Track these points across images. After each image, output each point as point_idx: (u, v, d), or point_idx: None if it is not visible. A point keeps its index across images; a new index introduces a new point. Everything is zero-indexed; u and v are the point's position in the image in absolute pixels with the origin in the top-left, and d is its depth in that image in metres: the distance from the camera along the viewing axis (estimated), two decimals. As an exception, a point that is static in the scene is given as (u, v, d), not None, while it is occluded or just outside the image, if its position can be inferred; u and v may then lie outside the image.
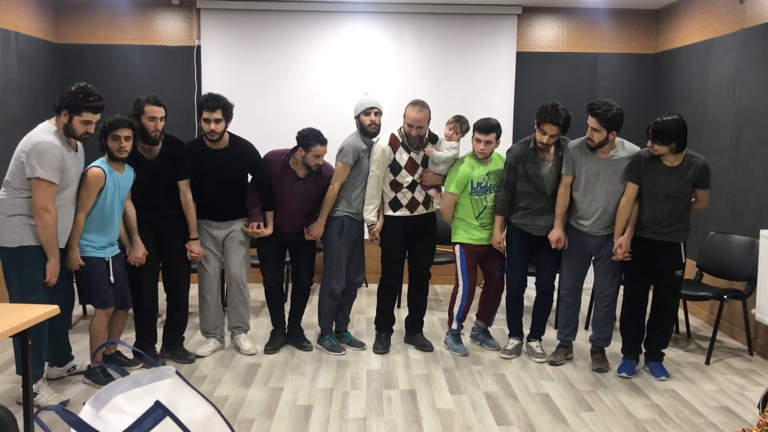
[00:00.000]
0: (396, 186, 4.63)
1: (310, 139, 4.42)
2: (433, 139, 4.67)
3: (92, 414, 1.40)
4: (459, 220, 4.72)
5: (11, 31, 5.69)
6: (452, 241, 4.78)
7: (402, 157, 4.59)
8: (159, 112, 4.19)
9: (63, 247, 3.84)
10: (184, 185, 4.40)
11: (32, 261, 3.69)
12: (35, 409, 3.47)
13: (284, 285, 4.91)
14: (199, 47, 6.71)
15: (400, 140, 4.60)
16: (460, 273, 4.75)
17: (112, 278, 4.05)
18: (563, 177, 4.43)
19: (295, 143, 4.51)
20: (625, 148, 4.35)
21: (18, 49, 5.80)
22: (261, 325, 5.26)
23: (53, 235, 3.67)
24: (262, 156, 4.62)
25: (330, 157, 4.65)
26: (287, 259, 4.94)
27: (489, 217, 4.68)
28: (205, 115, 4.32)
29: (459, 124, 4.65)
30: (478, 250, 4.72)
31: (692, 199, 4.27)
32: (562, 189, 4.45)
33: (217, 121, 4.33)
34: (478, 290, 5.13)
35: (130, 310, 4.34)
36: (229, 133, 4.49)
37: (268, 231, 4.59)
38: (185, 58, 6.73)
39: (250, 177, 4.61)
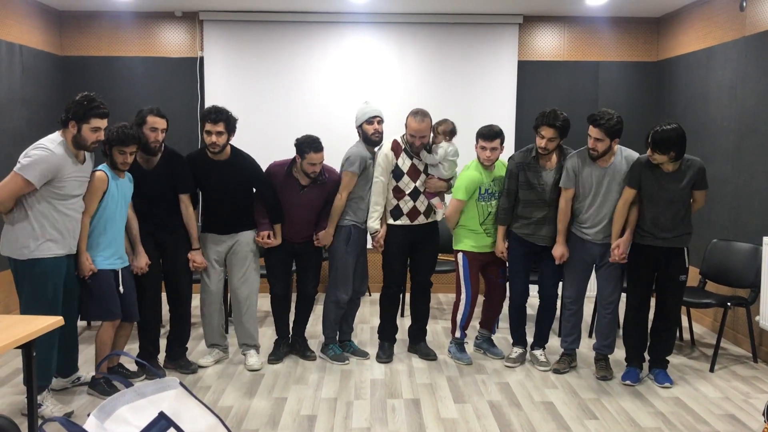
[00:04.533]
0: (398, 192, 4.64)
1: (305, 146, 4.43)
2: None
3: (97, 425, 1.41)
4: (462, 228, 4.72)
5: (15, 44, 5.73)
6: (454, 248, 4.78)
7: (405, 162, 4.61)
8: (161, 123, 4.22)
9: (69, 253, 3.86)
10: (185, 198, 4.42)
11: (43, 273, 3.71)
12: (40, 421, 3.47)
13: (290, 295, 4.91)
14: (202, 58, 6.74)
15: (403, 146, 4.62)
16: (462, 281, 4.75)
17: (121, 288, 4.06)
18: (563, 191, 4.44)
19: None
20: (625, 155, 4.36)
21: (23, 62, 5.84)
22: (265, 335, 5.26)
23: None
24: (265, 168, 4.63)
25: (335, 166, 4.67)
26: (293, 268, 4.95)
27: (493, 223, 4.69)
28: (208, 127, 4.34)
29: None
30: (480, 258, 4.73)
31: (691, 200, 4.29)
32: (563, 203, 4.45)
33: (219, 133, 4.34)
34: (481, 298, 5.13)
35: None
36: (231, 145, 4.50)
37: (277, 241, 4.60)
38: (188, 70, 6.77)
39: (254, 190, 4.62)
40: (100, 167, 3.99)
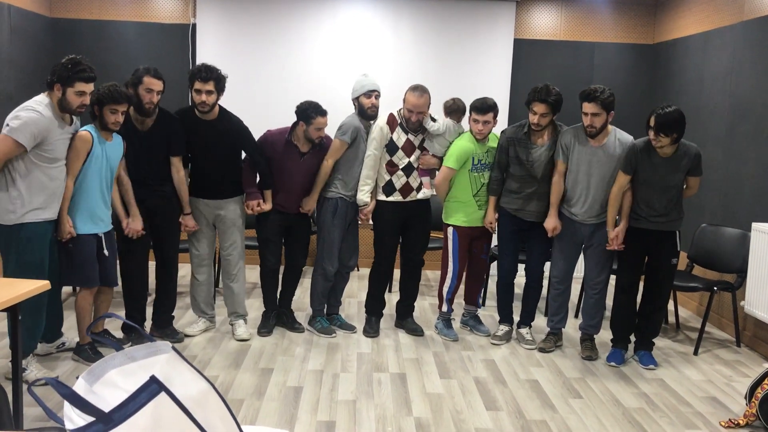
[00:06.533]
0: (391, 167, 4.61)
1: (311, 111, 4.39)
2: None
3: (86, 388, 1.38)
4: (454, 201, 4.70)
5: (4, 3, 5.61)
6: (445, 222, 4.77)
7: (399, 137, 4.57)
8: (157, 84, 4.16)
9: (55, 217, 3.81)
10: (177, 161, 4.37)
11: (29, 237, 3.66)
12: (24, 385, 3.45)
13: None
14: (194, 25, 6.64)
15: (399, 121, 4.58)
16: (450, 255, 4.75)
17: (106, 252, 4.01)
18: (557, 164, 4.43)
19: (290, 123, 4.47)
20: (618, 137, 4.35)
21: (11, 23, 5.72)
22: (252, 307, 5.25)
23: None
24: (260, 136, 4.57)
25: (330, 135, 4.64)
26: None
27: (486, 195, 4.67)
28: (197, 85, 4.27)
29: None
30: (469, 233, 4.72)
31: (684, 186, 4.30)
32: (557, 176, 4.45)
33: (209, 92, 4.28)
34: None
35: (116, 288, 4.30)
36: (220, 106, 4.44)
37: (268, 207, 4.56)
38: (180, 36, 6.66)
39: (244, 155, 4.57)
40: (85, 127, 3.91)
